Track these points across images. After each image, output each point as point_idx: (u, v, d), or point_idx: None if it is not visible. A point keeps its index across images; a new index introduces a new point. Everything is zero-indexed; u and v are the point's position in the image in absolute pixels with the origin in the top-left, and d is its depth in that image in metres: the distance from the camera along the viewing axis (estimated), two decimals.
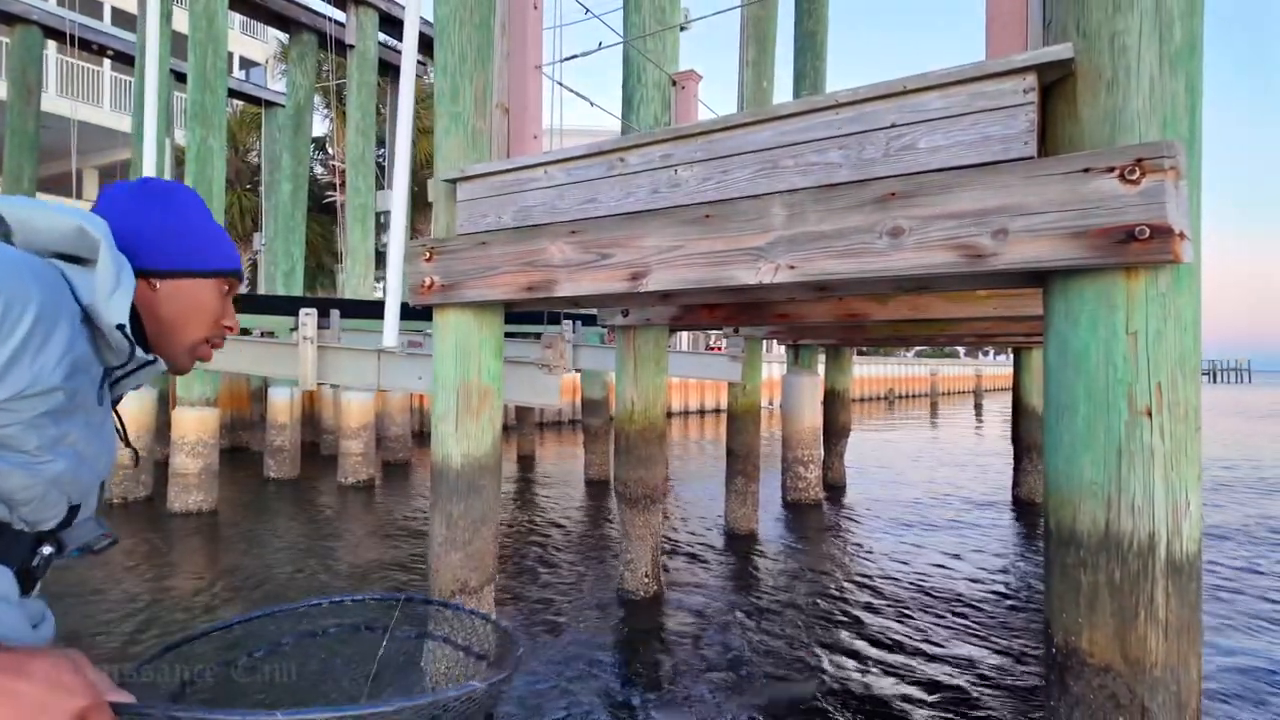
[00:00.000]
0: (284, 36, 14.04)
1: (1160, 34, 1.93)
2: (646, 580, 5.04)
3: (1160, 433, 1.91)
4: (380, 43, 11.53)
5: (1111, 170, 1.86)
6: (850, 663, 4.05)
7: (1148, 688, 1.92)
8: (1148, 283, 1.91)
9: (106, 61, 17.75)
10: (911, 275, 2.15)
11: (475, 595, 3.49)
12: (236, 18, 15.76)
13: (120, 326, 0.88)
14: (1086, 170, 1.89)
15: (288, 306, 7.89)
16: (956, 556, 6.43)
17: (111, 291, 0.87)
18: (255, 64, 23.18)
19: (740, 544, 6.73)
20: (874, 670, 3.95)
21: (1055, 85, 2.07)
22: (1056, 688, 2.07)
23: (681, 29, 4.70)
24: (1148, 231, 1.82)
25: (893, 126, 2.17)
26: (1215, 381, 78.48)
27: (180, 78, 10.26)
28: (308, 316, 5.04)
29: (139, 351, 0.92)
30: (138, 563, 5.92)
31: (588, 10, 4.96)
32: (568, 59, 4.21)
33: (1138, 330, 1.92)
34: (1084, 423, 1.99)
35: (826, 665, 4.01)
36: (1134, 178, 1.83)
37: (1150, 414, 1.91)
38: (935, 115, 2.11)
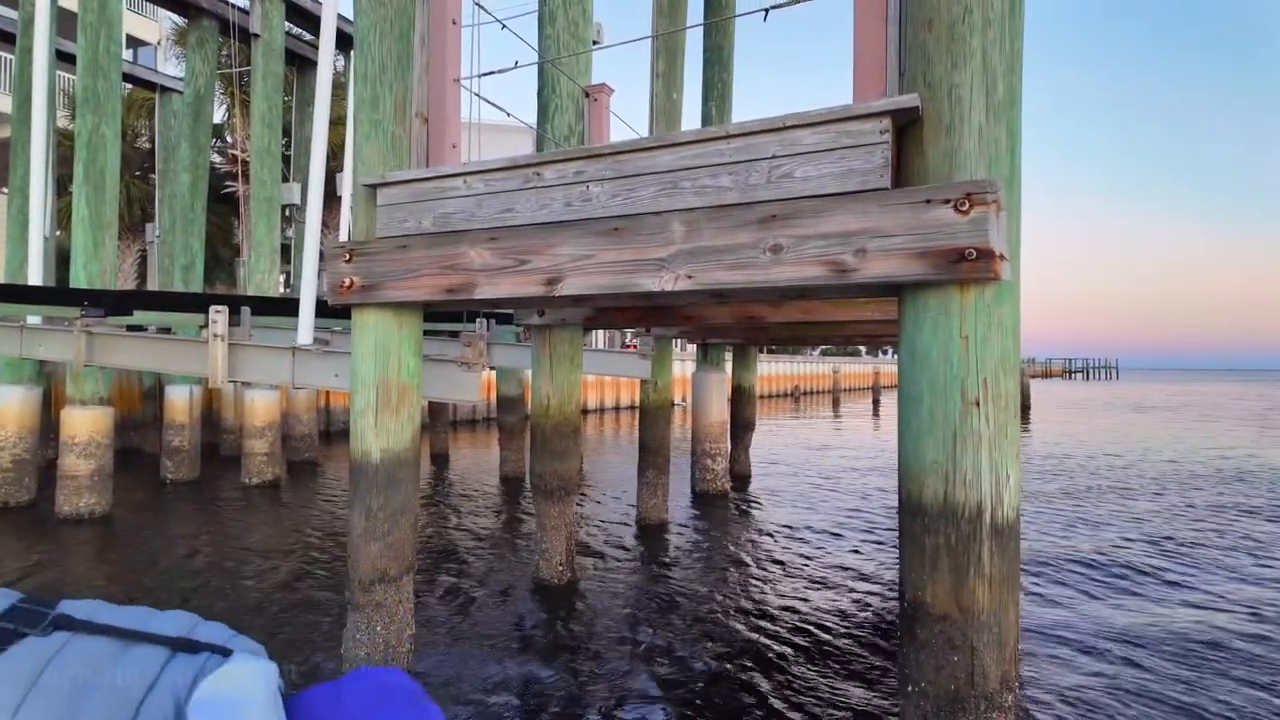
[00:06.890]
0: (178, 18, 13.38)
1: (987, 89, 2.33)
2: (561, 568, 5.27)
3: (986, 419, 2.31)
4: (285, 32, 11.22)
5: (947, 202, 2.24)
6: (750, 631, 4.42)
7: (976, 630, 2.32)
8: (977, 295, 2.31)
9: None
10: (791, 286, 2.49)
11: (395, 584, 3.64)
12: None
13: None
14: (928, 201, 2.27)
15: (192, 303, 7.67)
16: (838, 535, 7.01)
17: None
18: (145, 44, 21.86)
19: (651, 532, 7.06)
20: (769, 634, 4.34)
21: (907, 127, 2.44)
22: (907, 635, 2.45)
23: (595, 44, 4.94)
24: (975, 253, 2.21)
25: (774, 157, 2.50)
26: (1089, 379, 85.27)
27: (64, 57, 9.66)
28: (219, 314, 5.00)
29: None
30: (24, 574, 5.68)
31: (504, 24, 5.14)
32: (486, 74, 4.37)
33: (969, 334, 2.31)
34: (927, 411, 2.37)
35: (730, 635, 4.36)
36: (964, 209, 2.22)
37: (979, 404, 2.31)
38: (809, 149, 2.45)
